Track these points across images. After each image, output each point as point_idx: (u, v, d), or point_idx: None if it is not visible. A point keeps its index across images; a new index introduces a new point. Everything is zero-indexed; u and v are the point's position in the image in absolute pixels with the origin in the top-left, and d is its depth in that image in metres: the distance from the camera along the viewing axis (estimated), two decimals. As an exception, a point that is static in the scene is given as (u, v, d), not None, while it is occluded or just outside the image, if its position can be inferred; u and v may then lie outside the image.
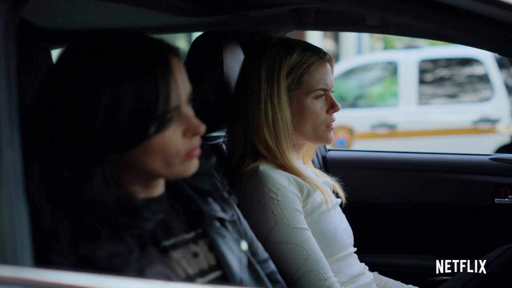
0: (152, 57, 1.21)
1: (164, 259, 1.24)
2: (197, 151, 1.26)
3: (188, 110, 1.25)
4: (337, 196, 1.98)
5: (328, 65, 1.87)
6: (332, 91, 1.88)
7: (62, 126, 1.18)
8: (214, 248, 1.34)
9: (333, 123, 1.87)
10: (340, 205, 1.97)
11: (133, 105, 1.17)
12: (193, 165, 1.27)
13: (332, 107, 1.85)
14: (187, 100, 1.25)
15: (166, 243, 1.27)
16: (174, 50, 1.25)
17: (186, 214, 1.36)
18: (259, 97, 1.79)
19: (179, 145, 1.22)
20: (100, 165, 1.18)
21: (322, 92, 1.84)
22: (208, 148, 1.90)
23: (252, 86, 1.80)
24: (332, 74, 1.89)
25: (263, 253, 1.56)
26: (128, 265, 1.16)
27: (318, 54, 1.85)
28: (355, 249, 1.92)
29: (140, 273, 1.17)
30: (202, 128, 1.24)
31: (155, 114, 1.18)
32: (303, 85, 1.82)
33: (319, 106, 1.84)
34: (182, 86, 1.24)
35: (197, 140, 1.26)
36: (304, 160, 1.98)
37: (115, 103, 1.16)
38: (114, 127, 1.17)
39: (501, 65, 6.91)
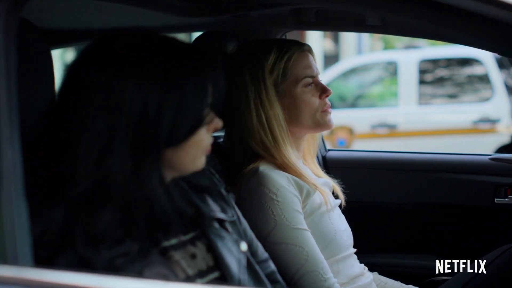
0: (202, 55, 1.30)
1: (164, 260, 1.24)
2: (209, 149, 1.33)
3: None
4: (337, 197, 1.98)
5: (309, 55, 1.88)
6: (321, 80, 1.89)
7: (120, 123, 1.19)
8: (212, 250, 1.35)
9: (329, 108, 1.87)
10: (340, 206, 1.97)
11: (191, 101, 1.23)
12: (204, 160, 1.33)
13: (323, 92, 1.86)
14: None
15: (166, 244, 1.27)
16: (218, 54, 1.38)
17: (185, 215, 1.36)
18: (248, 100, 1.80)
19: (207, 141, 1.30)
20: (154, 162, 1.22)
21: (310, 80, 1.85)
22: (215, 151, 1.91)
23: (240, 91, 1.82)
24: (315, 63, 1.91)
25: (263, 253, 1.55)
26: (130, 265, 1.16)
27: (296, 45, 1.86)
28: (355, 250, 1.92)
29: (139, 273, 1.17)
30: (221, 123, 1.33)
31: (205, 109, 1.27)
32: (289, 76, 1.83)
33: (310, 93, 1.85)
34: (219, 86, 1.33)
35: (212, 138, 1.33)
36: (304, 160, 1.98)
37: (178, 100, 1.21)
38: (174, 122, 1.21)
39: (501, 65, 6.91)
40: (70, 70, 1.25)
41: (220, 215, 1.42)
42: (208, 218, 1.38)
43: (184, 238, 1.32)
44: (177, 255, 1.27)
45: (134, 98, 1.18)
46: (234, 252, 1.38)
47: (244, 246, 1.42)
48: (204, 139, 1.29)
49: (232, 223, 1.45)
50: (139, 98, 1.18)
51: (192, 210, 1.37)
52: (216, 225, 1.39)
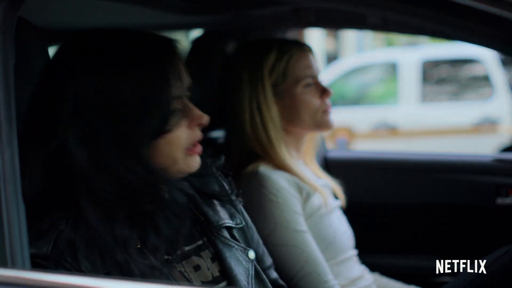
0: (160, 50, 1.22)
1: (166, 270, 1.21)
2: (199, 148, 1.26)
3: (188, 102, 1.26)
4: (337, 198, 1.97)
5: (310, 55, 1.87)
6: (321, 81, 1.89)
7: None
8: (219, 260, 1.32)
9: (329, 108, 1.86)
10: (340, 208, 1.96)
11: (150, 93, 1.17)
12: (196, 162, 1.26)
13: (323, 92, 1.85)
14: (188, 92, 1.27)
15: (166, 257, 1.24)
16: (176, 43, 1.26)
17: (192, 224, 1.33)
18: (245, 101, 1.80)
19: (185, 137, 1.22)
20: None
21: (310, 80, 1.84)
22: (214, 151, 1.90)
23: (237, 91, 1.82)
24: (316, 63, 1.90)
25: (268, 259, 1.54)
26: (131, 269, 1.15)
27: (297, 45, 1.86)
28: (355, 252, 1.91)
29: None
30: (206, 118, 1.25)
31: (169, 107, 1.19)
32: (289, 77, 1.82)
33: (310, 94, 1.84)
34: (184, 77, 1.25)
35: (199, 133, 1.26)
36: (305, 161, 1.97)
37: (137, 92, 1.16)
38: (140, 124, 1.16)
39: (504, 64, 6.90)
40: (47, 71, 1.23)
41: (229, 223, 1.38)
42: (216, 227, 1.35)
43: (187, 248, 1.29)
44: (179, 267, 1.25)
45: (99, 94, 1.16)
46: (243, 262, 1.35)
47: (252, 254, 1.39)
48: (180, 136, 1.21)
49: (241, 229, 1.42)
50: (103, 94, 1.15)
51: (200, 219, 1.35)
52: (225, 233, 1.36)
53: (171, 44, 1.24)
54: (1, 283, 1.06)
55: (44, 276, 1.08)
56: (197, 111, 1.24)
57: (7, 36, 1.13)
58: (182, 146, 1.22)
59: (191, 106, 1.25)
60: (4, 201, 1.08)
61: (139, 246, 1.18)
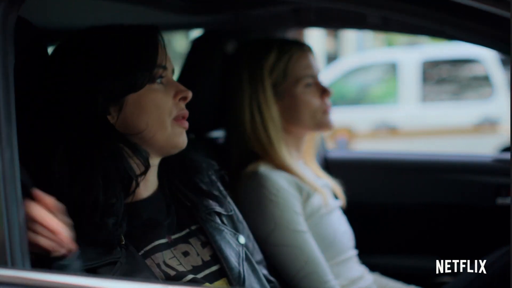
0: (143, 29, 1.33)
1: (148, 260, 1.24)
2: (186, 123, 1.32)
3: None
4: (337, 198, 1.97)
5: (310, 55, 1.88)
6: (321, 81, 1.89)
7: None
8: (210, 243, 1.35)
9: (329, 108, 1.86)
10: (341, 208, 1.96)
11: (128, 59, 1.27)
12: (183, 136, 1.32)
13: (324, 92, 1.86)
14: (171, 73, 1.35)
15: (150, 245, 1.27)
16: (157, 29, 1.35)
17: (180, 212, 1.36)
18: (245, 100, 1.81)
19: (170, 105, 1.30)
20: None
21: (310, 80, 1.84)
22: (204, 147, 1.91)
23: (237, 91, 1.82)
24: (315, 62, 1.90)
25: (258, 255, 1.55)
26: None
27: (296, 45, 1.86)
28: (355, 252, 1.91)
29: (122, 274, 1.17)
30: (190, 93, 1.33)
31: (146, 67, 1.28)
32: (289, 77, 1.83)
33: (310, 93, 1.84)
34: (166, 56, 1.33)
35: (184, 108, 1.33)
36: (305, 161, 1.96)
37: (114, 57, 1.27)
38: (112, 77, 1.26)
39: (504, 64, 6.89)
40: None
41: (218, 208, 1.42)
42: (205, 212, 1.38)
43: (174, 237, 1.32)
44: (164, 256, 1.27)
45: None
46: (233, 245, 1.39)
47: (242, 239, 1.42)
48: (166, 102, 1.29)
49: (230, 217, 1.46)
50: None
51: (187, 205, 1.38)
52: (216, 218, 1.40)
53: (155, 29, 1.33)
54: (1, 283, 1.06)
55: (44, 276, 1.08)
56: (181, 86, 1.33)
57: (7, 36, 1.13)
58: (169, 112, 1.29)
59: (175, 81, 1.34)
60: (4, 201, 1.07)
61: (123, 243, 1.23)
